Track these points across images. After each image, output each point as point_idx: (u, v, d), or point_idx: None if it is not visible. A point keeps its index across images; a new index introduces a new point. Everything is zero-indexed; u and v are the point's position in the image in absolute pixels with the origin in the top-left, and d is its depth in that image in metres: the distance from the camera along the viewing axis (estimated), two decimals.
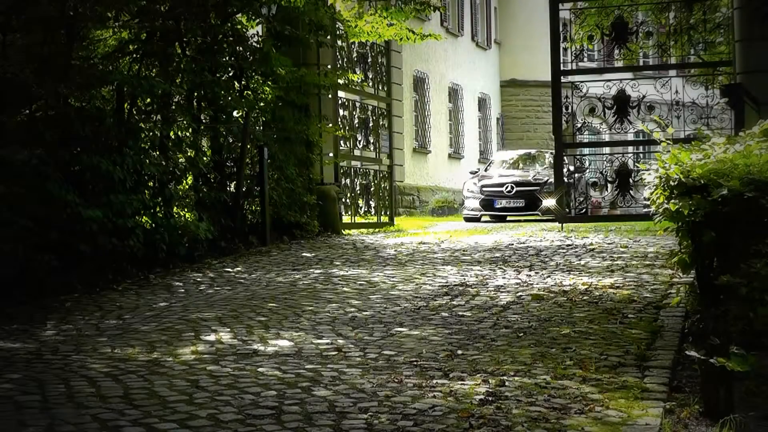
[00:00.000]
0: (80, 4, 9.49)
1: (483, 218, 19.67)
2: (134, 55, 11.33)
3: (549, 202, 17.55)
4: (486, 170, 21.29)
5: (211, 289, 8.48)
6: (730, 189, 5.11)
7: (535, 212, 18.89)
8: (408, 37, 15.19)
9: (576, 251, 10.74)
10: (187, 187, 11.33)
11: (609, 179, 14.68)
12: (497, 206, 19.27)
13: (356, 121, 16.96)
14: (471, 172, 21.76)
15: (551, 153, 19.97)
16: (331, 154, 15.28)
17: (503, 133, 34.03)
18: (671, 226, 5.88)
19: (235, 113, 12.88)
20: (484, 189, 19.62)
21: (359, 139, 17.06)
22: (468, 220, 19.45)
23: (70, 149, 9.05)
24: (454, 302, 7.46)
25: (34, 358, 5.67)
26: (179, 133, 11.30)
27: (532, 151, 23.81)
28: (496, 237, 13.27)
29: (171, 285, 8.83)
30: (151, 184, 10.30)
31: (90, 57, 10.59)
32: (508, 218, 19.54)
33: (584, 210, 15.61)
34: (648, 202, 6.31)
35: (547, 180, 18.57)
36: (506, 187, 19.32)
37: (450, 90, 29.56)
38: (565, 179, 15.78)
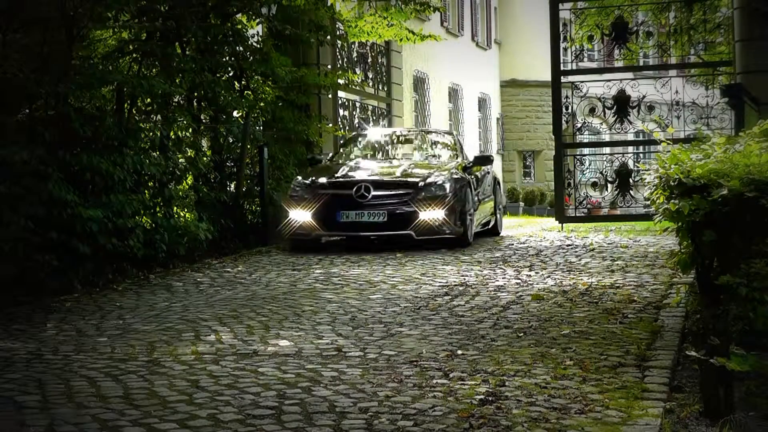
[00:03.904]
0: (80, 4, 9.49)
1: (324, 239, 11.71)
2: (134, 55, 11.34)
3: (431, 215, 11.01)
4: (332, 159, 12.79)
5: (211, 289, 8.48)
6: (730, 189, 5.11)
7: (407, 231, 11.04)
8: (408, 38, 15.21)
9: (576, 251, 10.75)
10: (187, 187, 11.33)
11: (609, 179, 14.70)
12: (342, 221, 11.05)
13: (356, 121, 16.97)
14: (309, 160, 12.97)
15: (443, 134, 14.56)
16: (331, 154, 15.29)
17: (503, 133, 34.03)
18: (671, 226, 5.88)
19: (235, 113, 12.89)
20: (321, 191, 11.26)
21: None
22: (297, 243, 11.39)
23: (70, 149, 9.05)
24: (454, 302, 7.46)
25: (34, 358, 5.67)
26: (179, 133, 11.30)
27: (414, 131, 15.49)
28: (496, 237, 13.28)
29: (171, 285, 8.82)
30: (151, 184, 10.30)
31: (90, 57, 10.60)
32: (363, 237, 11.48)
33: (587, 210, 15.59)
34: (648, 202, 6.32)
35: (427, 178, 11.34)
36: (357, 189, 11.11)
37: (450, 90, 29.55)
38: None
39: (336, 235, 11.44)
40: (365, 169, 11.88)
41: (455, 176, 11.53)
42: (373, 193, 11.09)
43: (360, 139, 13.98)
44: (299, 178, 11.78)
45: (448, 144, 13.45)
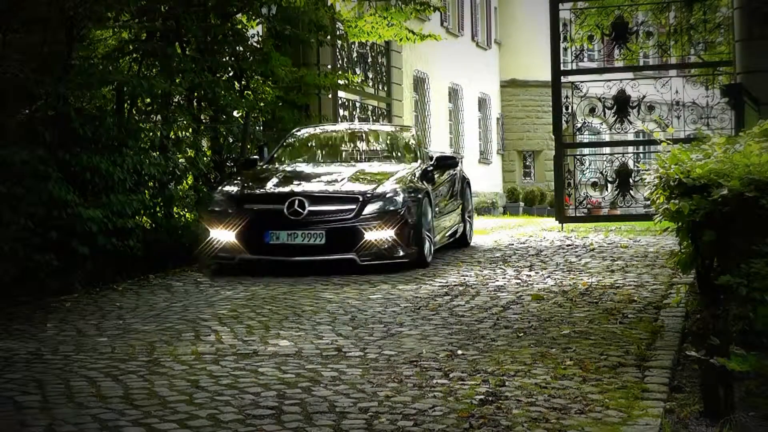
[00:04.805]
0: (80, 4, 9.49)
1: (249, 262, 9.42)
2: (134, 55, 11.34)
3: (379, 235, 9.24)
4: (266, 165, 10.80)
5: (211, 289, 8.48)
6: (730, 189, 5.12)
7: (349, 255, 9.20)
8: (408, 38, 15.21)
9: (576, 251, 10.75)
10: (187, 187, 11.33)
11: (609, 179, 14.71)
12: (271, 243, 9.22)
13: (356, 121, 16.97)
14: (243, 163, 11.25)
15: (400, 130, 12.70)
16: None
17: (503, 133, 34.04)
18: (671, 226, 5.89)
19: (235, 113, 12.89)
20: (247, 206, 9.51)
21: None
22: (221, 265, 9.58)
23: (70, 149, 9.05)
24: (454, 302, 7.46)
25: (34, 358, 5.67)
26: (179, 133, 11.30)
27: (367, 127, 13.34)
28: (496, 237, 13.29)
29: (171, 285, 8.82)
30: (151, 184, 10.30)
31: (90, 57, 10.60)
32: (297, 263, 9.27)
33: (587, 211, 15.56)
34: (648, 202, 6.33)
35: (376, 189, 9.53)
36: (290, 205, 9.26)
37: (450, 90, 29.56)
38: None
39: (264, 259, 9.32)
40: (302, 178, 10.06)
41: (410, 185, 9.76)
42: (309, 208, 9.22)
43: (301, 138, 11.83)
44: (225, 187, 9.96)
45: (406, 142, 11.55)
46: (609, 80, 15.04)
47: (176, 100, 11.50)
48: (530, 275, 8.89)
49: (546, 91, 25.62)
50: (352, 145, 11.71)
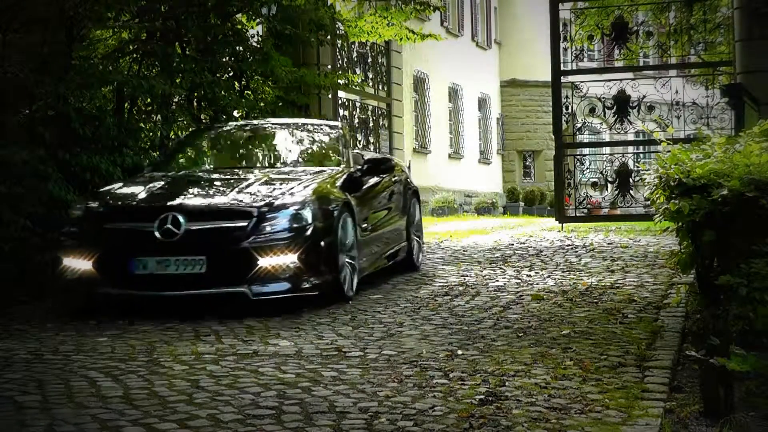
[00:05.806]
0: (80, 4, 9.49)
1: (111, 297, 7.34)
2: (134, 55, 11.35)
3: (277, 261, 7.11)
4: (150, 173, 8.65)
5: None
6: (730, 189, 5.12)
7: (240, 288, 7.05)
8: (408, 37, 15.22)
9: (576, 251, 10.75)
10: None
11: (609, 179, 14.71)
12: (138, 272, 7.06)
13: (356, 121, 16.98)
14: (130, 169, 9.39)
15: (323, 127, 9.66)
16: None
17: (503, 133, 34.05)
18: (671, 226, 5.89)
19: (235, 113, 12.90)
20: (110, 226, 7.32)
21: (359, 139, 17.08)
22: (74, 301, 7.66)
23: (70, 149, 9.05)
24: (454, 302, 7.46)
25: (34, 358, 5.67)
26: (179, 133, 11.31)
27: (282, 123, 10.00)
28: (496, 237, 13.29)
29: None
30: None
31: (90, 57, 10.61)
32: (171, 298, 7.20)
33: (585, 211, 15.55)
34: (648, 202, 6.33)
35: (275, 201, 7.33)
36: (161, 222, 7.09)
37: (450, 90, 29.56)
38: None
39: (129, 293, 7.21)
40: (184, 188, 7.98)
41: (326, 195, 7.64)
42: (187, 227, 7.07)
43: (200, 137, 9.70)
44: (88, 202, 7.70)
45: (330, 141, 9.20)
46: (609, 80, 15.05)
47: (176, 100, 11.51)
48: (530, 275, 8.89)
49: (546, 91, 25.63)
50: (261, 146, 9.46)
